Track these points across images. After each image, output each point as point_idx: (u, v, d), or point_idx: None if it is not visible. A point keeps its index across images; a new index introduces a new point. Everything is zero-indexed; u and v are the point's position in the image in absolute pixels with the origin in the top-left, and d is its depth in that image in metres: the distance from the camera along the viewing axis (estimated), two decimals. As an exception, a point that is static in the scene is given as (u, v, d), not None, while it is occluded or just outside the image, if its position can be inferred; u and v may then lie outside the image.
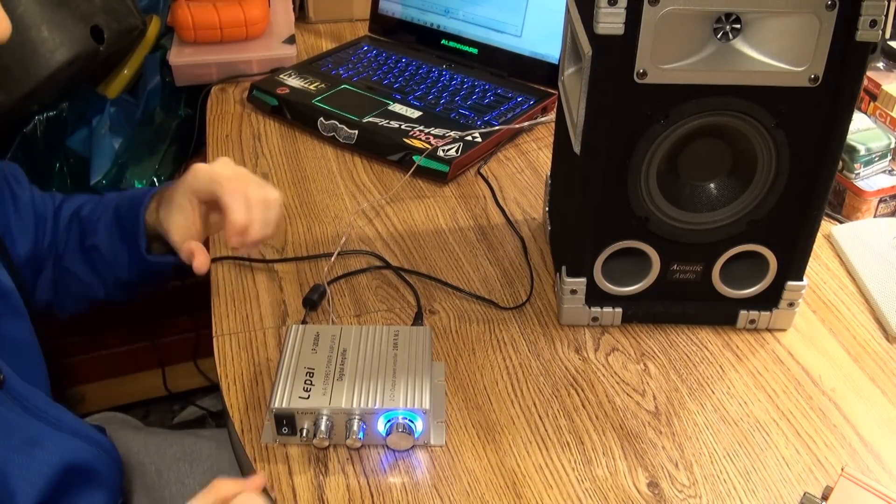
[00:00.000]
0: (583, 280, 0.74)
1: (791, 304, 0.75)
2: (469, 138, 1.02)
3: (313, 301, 0.79)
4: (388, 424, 0.64)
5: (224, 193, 0.69)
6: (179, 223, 0.72)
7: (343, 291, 0.82)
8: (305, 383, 0.66)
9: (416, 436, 0.64)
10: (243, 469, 0.68)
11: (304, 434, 0.64)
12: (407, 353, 0.69)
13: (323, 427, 0.63)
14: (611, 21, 0.61)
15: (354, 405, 0.64)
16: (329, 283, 0.82)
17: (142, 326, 1.56)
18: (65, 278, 0.81)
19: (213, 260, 0.86)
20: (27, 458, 0.60)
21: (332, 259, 0.86)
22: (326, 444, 0.64)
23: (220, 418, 1.60)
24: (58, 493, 0.63)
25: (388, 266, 0.85)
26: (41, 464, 0.61)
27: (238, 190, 0.69)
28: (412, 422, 0.64)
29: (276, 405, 0.64)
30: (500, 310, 0.80)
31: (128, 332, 1.56)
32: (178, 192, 0.72)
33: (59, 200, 0.83)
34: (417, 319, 0.78)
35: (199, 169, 0.71)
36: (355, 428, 0.63)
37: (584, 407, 0.69)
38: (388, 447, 0.65)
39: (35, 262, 0.78)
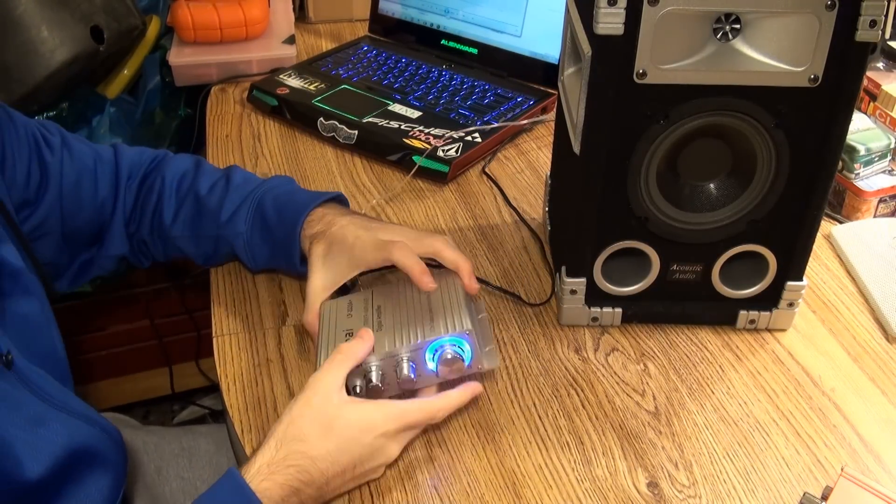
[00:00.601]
0: (582, 280, 0.74)
1: (791, 305, 0.75)
2: (469, 138, 1.02)
3: (345, 287, 0.80)
4: (436, 356, 0.64)
5: (398, 260, 0.69)
6: (320, 285, 0.72)
7: (371, 283, 0.82)
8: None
9: (466, 362, 0.65)
10: (241, 465, 0.68)
11: (358, 391, 0.64)
12: (439, 292, 0.69)
13: (374, 377, 0.64)
14: (610, 21, 0.61)
15: (398, 346, 0.64)
16: (361, 274, 0.82)
17: (146, 326, 1.56)
18: (162, 242, 0.81)
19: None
20: (33, 436, 0.61)
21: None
22: (384, 393, 0.64)
23: (220, 418, 1.60)
24: (64, 473, 0.63)
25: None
26: (48, 443, 0.62)
27: (408, 253, 0.69)
28: (460, 347, 0.64)
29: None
30: (498, 310, 0.80)
31: (131, 331, 1.56)
32: (338, 259, 0.72)
33: (120, 152, 0.82)
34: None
35: (364, 241, 0.71)
36: (405, 370, 0.64)
37: (583, 407, 0.69)
38: (443, 383, 0.65)
39: (85, 218, 0.78)
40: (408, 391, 0.66)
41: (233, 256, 0.82)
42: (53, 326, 0.71)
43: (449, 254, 0.70)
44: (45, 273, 0.71)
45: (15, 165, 0.72)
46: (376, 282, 0.82)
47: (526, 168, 1.03)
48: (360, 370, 0.64)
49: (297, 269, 0.77)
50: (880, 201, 0.92)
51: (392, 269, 0.84)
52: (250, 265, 0.80)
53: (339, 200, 0.79)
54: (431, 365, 0.65)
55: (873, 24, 0.60)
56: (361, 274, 0.82)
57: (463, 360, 0.64)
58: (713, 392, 0.71)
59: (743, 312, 0.76)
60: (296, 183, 0.82)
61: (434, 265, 0.84)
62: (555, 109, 0.85)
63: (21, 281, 0.66)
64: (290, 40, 1.29)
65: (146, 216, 0.81)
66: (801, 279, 0.74)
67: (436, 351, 0.64)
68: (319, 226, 0.74)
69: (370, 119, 1.06)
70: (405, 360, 0.64)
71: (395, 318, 0.68)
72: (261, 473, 0.56)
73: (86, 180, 0.78)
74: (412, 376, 0.64)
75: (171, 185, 0.81)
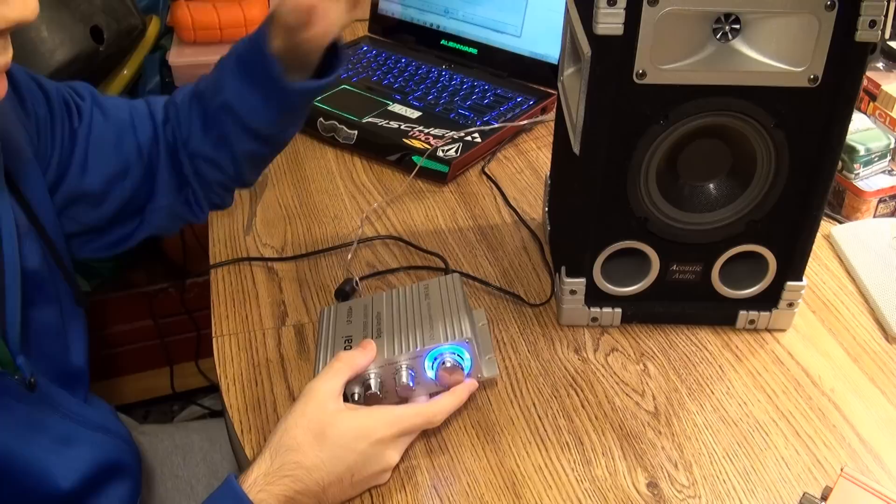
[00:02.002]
0: (582, 280, 0.74)
1: (790, 305, 0.75)
2: (468, 138, 1.02)
3: (346, 292, 0.80)
4: (436, 364, 0.64)
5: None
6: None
7: (371, 288, 0.82)
8: (345, 350, 0.66)
9: (466, 370, 0.64)
10: (241, 466, 0.68)
11: (356, 398, 0.63)
12: (440, 300, 0.69)
13: (373, 385, 0.63)
14: (610, 21, 0.61)
15: (397, 354, 0.64)
16: (361, 279, 0.83)
17: (147, 326, 1.56)
18: (191, 165, 0.77)
19: (213, 266, 0.86)
20: (62, 456, 0.62)
21: (350, 255, 0.86)
22: (382, 401, 0.64)
23: (218, 417, 1.60)
24: (91, 486, 0.64)
25: (406, 242, 0.85)
26: (75, 461, 0.63)
27: None
28: (459, 355, 0.64)
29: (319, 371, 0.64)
30: (498, 310, 0.80)
31: (131, 331, 1.56)
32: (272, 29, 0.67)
33: (150, 100, 0.79)
34: (446, 273, 0.79)
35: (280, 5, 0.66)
36: (404, 377, 0.63)
37: (583, 407, 0.69)
38: (443, 389, 0.65)
39: (134, 171, 0.75)
40: (405, 399, 0.66)
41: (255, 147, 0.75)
42: (74, 332, 0.69)
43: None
44: (73, 278, 0.69)
45: (51, 140, 0.70)
46: (377, 288, 0.82)
47: (525, 168, 1.03)
48: (359, 378, 0.64)
49: (277, 77, 0.69)
50: (880, 201, 0.92)
51: (394, 272, 0.84)
52: (251, 119, 0.73)
53: None
54: (430, 373, 0.64)
55: (873, 24, 0.60)
56: (362, 278, 0.82)
57: (462, 368, 0.64)
58: (713, 392, 0.71)
59: (742, 312, 0.76)
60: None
61: (437, 269, 0.85)
62: (554, 109, 0.85)
63: (44, 289, 0.65)
64: (290, 40, 1.28)
65: (178, 140, 0.76)
66: (800, 279, 0.74)
67: (435, 359, 0.64)
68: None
69: (370, 119, 1.06)
70: (404, 368, 0.64)
71: (395, 326, 0.67)
72: (257, 484, 0.56)
73: (127, 136, 0.75)
74: (411, 384, 0.64)
75: (182, 101, 0.78)
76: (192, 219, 0.81)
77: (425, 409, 0.63)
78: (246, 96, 0.72)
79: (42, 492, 0.60)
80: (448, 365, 0.64)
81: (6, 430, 0.58)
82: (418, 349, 0.64)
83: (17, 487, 0.59)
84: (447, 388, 0.65)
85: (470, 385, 0.66)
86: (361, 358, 0.64)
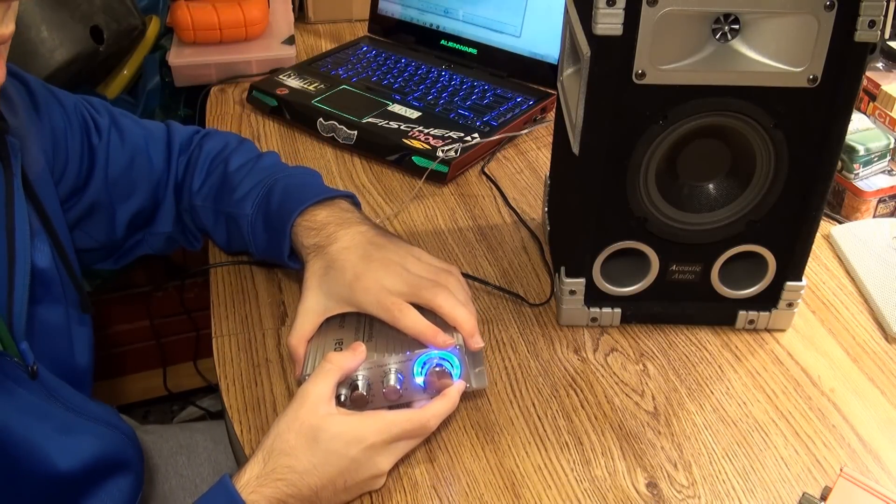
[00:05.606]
0: (582, 280, 0.74)
1: (790, 305, 0.75)
2: (468, 139, 1.02)
3: None
4: (425, 369, 0.64)
5: (405, 328, 0.64)
6: (314, 309, 0.68)
7: None
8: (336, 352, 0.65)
9: (454, 377, 0.64)
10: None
11: (343, 399, 0.63)
12: None
13: (360, 386, 0.63)
14: (609, 21, 0.61)
15: (386, 357, 0.64)
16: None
17: (146, 326, 1.56)
18: (191, 213, 0.82)
19: (212, 265, 0.86)
20: (62, 443, 0.62)
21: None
22: (369, 404, 0.64)
23: (219, 419, 1.60)
24: (91, 477, 0.65)
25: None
26: (76, 449, 0.63)
27: (414, 318, 0.64)
28: (449, 362, 0.64)
29: (309, 373, 0.63)
30: (498, 310, 0.80)
31: (130, 331, 1.56)
32: (336, 290, 0.67)
33: (172, 126, 0.83)
34: None
35: (365, 288, 0.66)
36: (392, 380, 0.63)
37: (582, 407, 0.69)
38: (430, 397, 0.65)
39: (139, 195, 0.79)
40: (395, 404, 0.65)
41: (244, 245, 0.80)
42: (79, 336, 0.70)
43: (448, 310, 0.65)
44: (80, 286, 0.71)
45: (67, 152, 0.72)
46: None
47: (525, 168, 1.03)
48: (347, 379, 0.63)
49: (286, 263, 0.76)
50: (880, 201, 0.92)
51: None
52: (252, 251, 0.79)
53: (348, 199, 0.76)
54: (419, 379, 0.64)
55: (872, 24, 0.60)
56: None
57: (451, 375, 0.64)
58: (712, 392, 0.71)
59: (742, 313, 0.76)
60: (319, 177, 0.80)
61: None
62: (554, 110, 0.85)
63: (52, 289, 0.66)
64: (290, 41, 1.29)
65: (185, 188, 0.81)
66: (800, 279, 0.74)
67: (424, 364, 0.64)
68: (318, 238, 0.71)
69: (370, 119, 1.06)
70: (393, 371, 0.63)
71: (386, 330, 0.67)
72: (249, 486, 0.57)
73: (139, 159, 0.79)
74: (398, 388, 0.63)
75: (207, 155, 0.81)
76: (187, 246, 0.86)
77: (418, 416, 0.62)
78: (257, 234, 0.77)
79: (40, 473, 0.60)
80: (437, 370, 0.63)
81: (6, 412, 0.58)
82: (408, 353, 0.63)
83: (15, 467, 0.59)
84: (435, 394, 0.65)
85: (459, 386, 0.65)
86: (351, 359, 0.63)
